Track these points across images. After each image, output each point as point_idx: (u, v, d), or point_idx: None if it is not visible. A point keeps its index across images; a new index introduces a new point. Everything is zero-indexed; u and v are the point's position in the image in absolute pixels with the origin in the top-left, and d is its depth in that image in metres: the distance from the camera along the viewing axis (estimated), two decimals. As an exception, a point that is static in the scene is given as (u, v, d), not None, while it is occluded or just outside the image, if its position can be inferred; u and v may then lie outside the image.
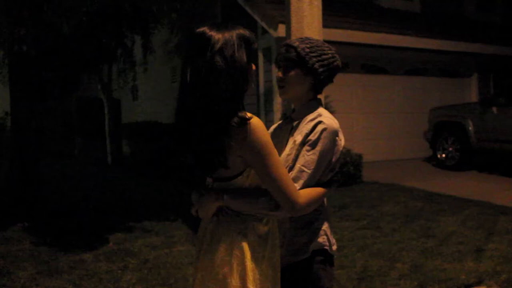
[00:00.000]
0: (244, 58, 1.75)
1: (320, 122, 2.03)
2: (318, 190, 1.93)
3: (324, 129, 2.01)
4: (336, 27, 9.27)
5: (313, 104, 2.16)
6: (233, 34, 1.75)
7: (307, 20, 4.83)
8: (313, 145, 1.99)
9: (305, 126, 2.07)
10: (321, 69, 2.10)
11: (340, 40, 9.42)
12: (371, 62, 11.14)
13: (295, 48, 2.11)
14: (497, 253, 4.87)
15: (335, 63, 2.15)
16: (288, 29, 4.79)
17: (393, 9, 12.45)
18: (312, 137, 2.01)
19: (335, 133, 2.03)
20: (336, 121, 2.08)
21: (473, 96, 12.43)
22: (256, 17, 9.77)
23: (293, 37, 4.79)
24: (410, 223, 6.00)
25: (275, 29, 9.04)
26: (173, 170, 9.83)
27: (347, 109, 10.07)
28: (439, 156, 10.16)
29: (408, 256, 4.86)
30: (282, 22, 8.09)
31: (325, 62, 2.11)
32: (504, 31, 13.55)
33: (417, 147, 11.09)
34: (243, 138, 1.72)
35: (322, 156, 1.99)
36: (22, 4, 6.44)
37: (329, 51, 2.14)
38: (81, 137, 13.92)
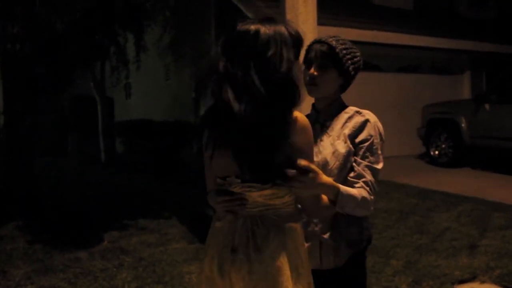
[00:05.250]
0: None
1: (367, 120, 2.06)
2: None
3: (374, 125, 2.06)
4: (329, 25, 9.27)
5: (340, 102, 2.19)
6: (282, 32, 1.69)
7: (302, 17, 4.82)
8: (372, 143, 2.03)
9: (346, 124, 2.09)
10: (353, 72, 2.14)
11: (333, 37, 9.41)
12: (364, 59, 11.16)
13: (333, 48, 2.09)
14: (491, 249, 4.90)
15: (361, 66, 2.19)
16: (283, 27, 4.80)
17: (385, 6, 12.47)
18: (365, 135, 2.04)
19: (379, 125, 2.10)
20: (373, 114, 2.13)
21: (465, 93, 12.48)
22: (250, 15, 9.76)
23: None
24: (404, 220, 6.02)
25: (269, 26, 9.04)
26: (167, 167, 9.84)
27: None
28: (432, 153, 10.20)
29: (403, 252, 4.88)
30: (276, 20, 8.09)
31: (356, 65, 2.15)
32: (496, 28, 13.61)
33: (410, 144, 11.12)
34: (294, 135, 1.66)
35: (381, 149, 2.07)
36: (15, 1, 6.41)
37: (358, 53, 2.17)
38: (74, 135, 13.87)
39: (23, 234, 5.66)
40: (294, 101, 1.66)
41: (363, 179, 1.97)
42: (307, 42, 4.76)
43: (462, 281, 4.22)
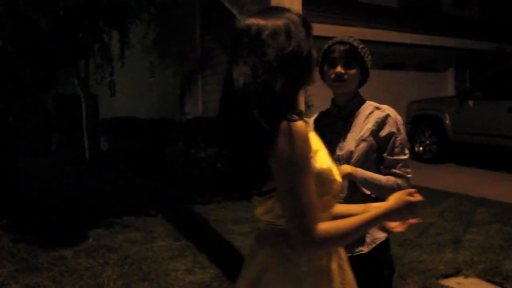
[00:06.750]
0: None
1: (388, 115, 2.24)
2: (344, 225, 1.48)
3: (395, 119, 2.24)
4: (315, 21, 9.22)
5: (360, 98, 2.35)
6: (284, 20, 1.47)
7: (287, 14, 4.84)
8: (396, 137, 2.22)
9: (367, 119, 2.25)
10: (369, 69, 2.31)
11: (318, 34, 9.37)
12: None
13: (356, 47, 2.26)
14: (475, 244, 4.95)
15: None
16: (268, 23, 4.80)
17: (371, 4, 12.53)
18: (388, 130, 2.21)
19: (399, 118, 2.28)
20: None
21: (450, 90, 12.58)
22: (235, 11, 9.73)
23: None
24: (389, 216, 6.04)
25: (254, 23, 9.03)
26: (153, 165, 9.80)
27: (325, 103, 10.08)
28: (416, 149, 10.27)
29: (388, 248, 4.90)
30: (261, 17, 8.08)
31: (371, 62, 2.32)
32: (480, 26, 13.74)
33: (395, 141, 11.17)
34: (278, 143, 1.38)
35: (404, 139, 2.25)
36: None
37: (369, 52, 2.33)
38: (59, 133, 13.75)
39: (6, 233, 5.60)
40: (306, 78, 1.50)
41: (394, 172, 2.20)
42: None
43: (447, 276, 4.26)
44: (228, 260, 4.71)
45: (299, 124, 1.39)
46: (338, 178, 1.57)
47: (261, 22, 1.45)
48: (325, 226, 1.42)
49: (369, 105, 2.30)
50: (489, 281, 4.16)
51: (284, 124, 1.37)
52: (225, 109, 1.48)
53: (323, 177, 1.50)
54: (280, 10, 1.51)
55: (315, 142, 1.51)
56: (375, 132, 2.21)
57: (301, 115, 1.43)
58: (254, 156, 1.42)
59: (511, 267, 4.34)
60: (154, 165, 9.73)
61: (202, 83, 11.55)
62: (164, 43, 12.02)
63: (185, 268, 4.50)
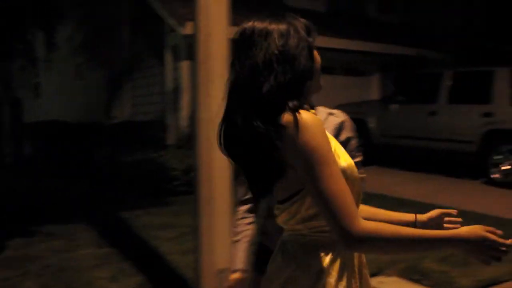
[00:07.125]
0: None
1: (343, 121, 2.25)
2: (394, 231, 1.34)
3: (349, 125, 2.27)
4: (239, 25, 9.33)
5: (310, 104, 2.32)
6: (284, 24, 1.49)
7: (215, 17, 4.80)
8: (353, 142, 2.25)
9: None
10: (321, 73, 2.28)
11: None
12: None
13: None
14: (396, 244, 5.11)
15: None
16: (196, 27, 4.77)
17: (299, 8, 12.69)
18: (345, 136, 2.22)
19: (351, 122, 2.30)
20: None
21: (376, 94, 12.96)
22: (165, 15, 9.65)
23: (201, 34, 4.77)
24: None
25: (183, 26, 8.98)
26: (79, 170, 9.52)
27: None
28: (343, 152, 10.50)
29: (313, 249, 4.98)
30: (190, 20, 8.04)
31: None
32: (404, 32, 14.22)
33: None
34: (291, 139, 1.31)
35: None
36: None
37: None
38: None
39: None
40: (302, 80, 1.43)
41: None
42: (216, 42, 4.72)
43: (370, 276, 4.37)
44: (153, 267, 4.65)
45: (307, 115, 1.34)
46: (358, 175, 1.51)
47: (257, 25, 1.48)
48: (370, 224, 1.31)
49: (320, 111, 2.28)
50: (410, 279, 4.33)
51: (288, 117, 1.31)
52: (225, 112, 1.45)
53: (348, 174, 1.41)
54: (282, 16, 1.54)
55: (331, 139, 1.46)
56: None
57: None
58: (253, 156, 1.38)
59: (428, 265, 4.53)
60: (80, 170, 9.46)
61: (131, 87, 11.37)
62: (91, 45, 11.75)
63: (109, 276, 4.40)
